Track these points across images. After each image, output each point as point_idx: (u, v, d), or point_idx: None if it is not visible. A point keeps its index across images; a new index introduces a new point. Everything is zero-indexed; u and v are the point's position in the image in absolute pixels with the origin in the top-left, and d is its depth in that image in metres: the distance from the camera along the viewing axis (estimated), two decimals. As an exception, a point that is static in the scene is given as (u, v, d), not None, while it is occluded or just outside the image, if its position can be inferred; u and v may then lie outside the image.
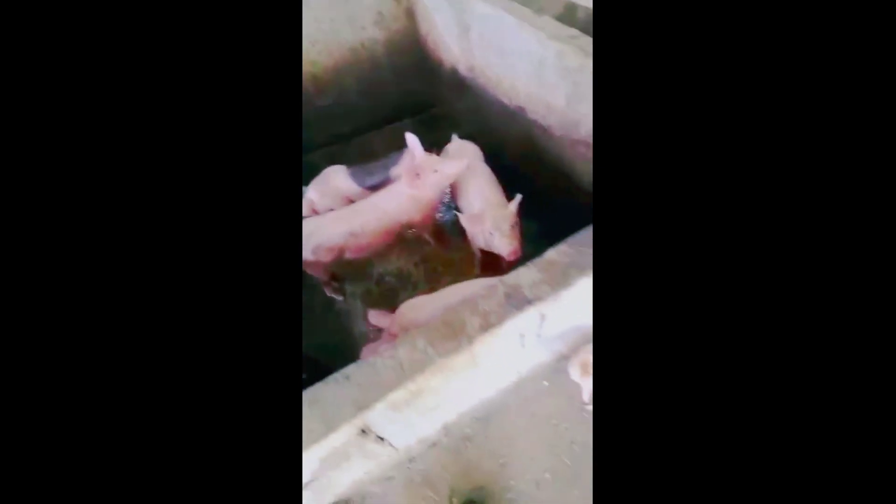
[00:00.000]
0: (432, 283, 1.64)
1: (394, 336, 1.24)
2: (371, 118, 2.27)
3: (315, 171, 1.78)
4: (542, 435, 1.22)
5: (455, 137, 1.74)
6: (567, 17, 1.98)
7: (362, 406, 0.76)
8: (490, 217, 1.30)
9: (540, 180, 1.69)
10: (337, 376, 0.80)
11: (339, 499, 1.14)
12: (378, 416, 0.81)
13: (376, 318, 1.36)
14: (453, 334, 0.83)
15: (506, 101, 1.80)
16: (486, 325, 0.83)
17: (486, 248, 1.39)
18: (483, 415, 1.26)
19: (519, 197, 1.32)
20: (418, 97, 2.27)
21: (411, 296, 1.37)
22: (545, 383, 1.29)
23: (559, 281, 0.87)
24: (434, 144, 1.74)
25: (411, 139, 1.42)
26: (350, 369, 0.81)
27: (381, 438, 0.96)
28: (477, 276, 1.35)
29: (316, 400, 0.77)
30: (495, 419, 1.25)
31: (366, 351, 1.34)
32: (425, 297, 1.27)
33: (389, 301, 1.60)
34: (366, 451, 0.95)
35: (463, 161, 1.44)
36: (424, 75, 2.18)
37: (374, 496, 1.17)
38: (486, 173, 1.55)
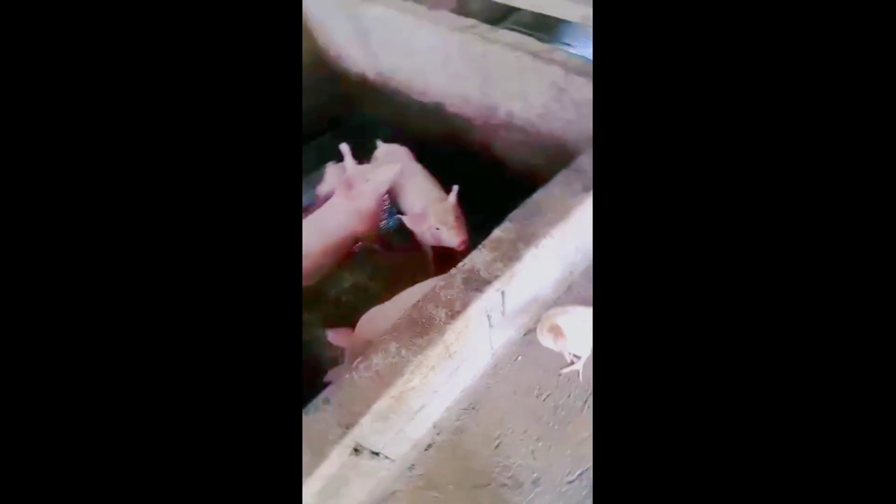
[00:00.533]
0: (393, 292, 1.63)
1: (357, 353, 1.22)
2: (289, 140, 2.20)
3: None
4: (528, 407, 1.26)
5: (380, 143, 1.74)
6: (460, 9, 2.04)
7: (349, 424, 0.74)
8: (432, 213, 1.32)
9: (471, 169, 1.74)
10: (315, 402, 0.77)
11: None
12: (367, 430, 0.80)
13: (335, 337, 1.33)
14: (423, 330, 0.83)
15: (421, 99, 1.82)
16: (453, 314, 0.85)
17: (436, 245, 1.41)
18: (469, 404, 1.28)
19: (456, 187, 1.35)
20: (332, 111, 2.24)
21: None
22: (519, 358, 1.34)
23: (510, 256, 0.91)
24: (360, 154, 1.72)
25: (345, 149, 1.40)
26: (328, 392, 0.79)
27: (376, 453, 0.94)
28: (435, 275, 1.36)
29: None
30: (481, 405, 1.27)
31: (330, 374, 1.31)
32: (381, 306, 1.26)
33: (353, 320, 1.57)
34: (363, 471, 0.93)
35: (395, 165, 1.44)
36: (334, 88, 2.15)
37: (383, 514, 1.15)
38: (420, 172, 1.56)
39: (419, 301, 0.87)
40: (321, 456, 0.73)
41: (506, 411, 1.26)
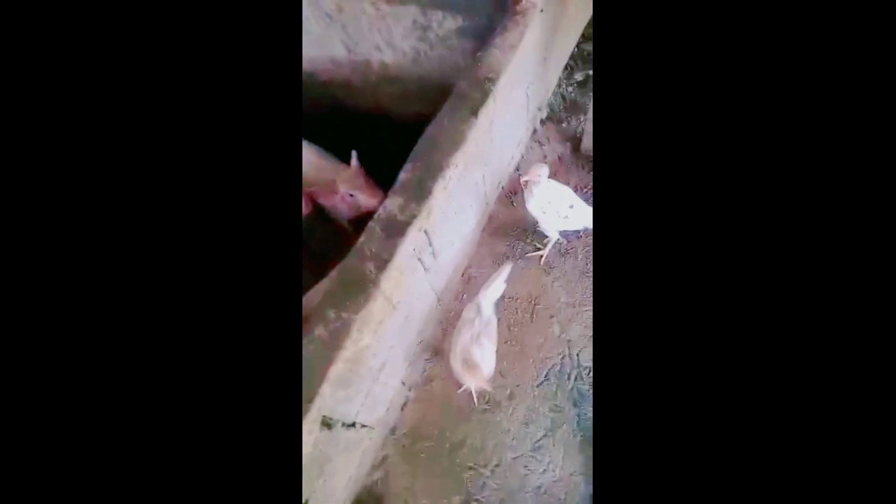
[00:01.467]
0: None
1: None
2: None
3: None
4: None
5: None
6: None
7: (309, 398, 0.72)
8: (340, 182, 1.28)
9: (363, 132, 1.69)
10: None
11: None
12: (330, 400, 0.79)
13: None
14: (358, 288, 0.82)
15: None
16: (382, 264, 0.85)
17: (354, 214, 1.37)
18: (431, 353, 1.30)
19: (354, 153, 1.31)
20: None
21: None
22: (464, 296, 1.38)
23: (420, 195, 0.91)
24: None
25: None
26: (278, 378, 0.76)
27: (351, 424, 0.94)
28: None
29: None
30: (441, 349, 1.31)
31: None
32: (313, 289, 1.22)
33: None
34: (343, 444, 0.92)
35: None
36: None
37: (381, 481, 1.16)
38: (310, 148, 1.49)
39: (345, 261, 0.85)
40: (291, 439, 0.70)
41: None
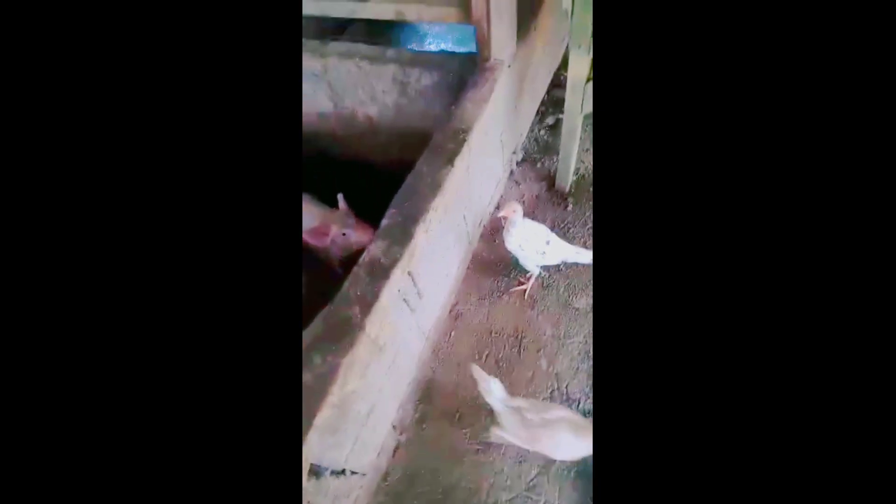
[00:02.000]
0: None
1: None
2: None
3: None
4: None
5: None
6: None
7: (297, 446, 0.73)
8: (332, 221, 1.34)
9: (348, 178, 1.76)
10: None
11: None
12: (317, 448, 0.79)
13: None
14: (342, 332, 0.84)
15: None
16: (367, 306, 0.87)
17: (344, 252, 1.41)
18: (423, 394, 1.30)
19: (340, 195, 1.38)
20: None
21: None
22: (452, 334, 1.40)
23: (403, 239, 0.96)
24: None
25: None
26: (266, 427, 0.76)
27: (341, 472, 0.93)
28: None
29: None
30: (433, 389, 1.31)
31: None
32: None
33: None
34: (333, 493, 0.91)
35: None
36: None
37: (372, 533, 1.12)
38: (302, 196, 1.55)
39: (330, 305, 0.88)
40: (279, 489, 0.70)
41: (457, 385, 1.31)
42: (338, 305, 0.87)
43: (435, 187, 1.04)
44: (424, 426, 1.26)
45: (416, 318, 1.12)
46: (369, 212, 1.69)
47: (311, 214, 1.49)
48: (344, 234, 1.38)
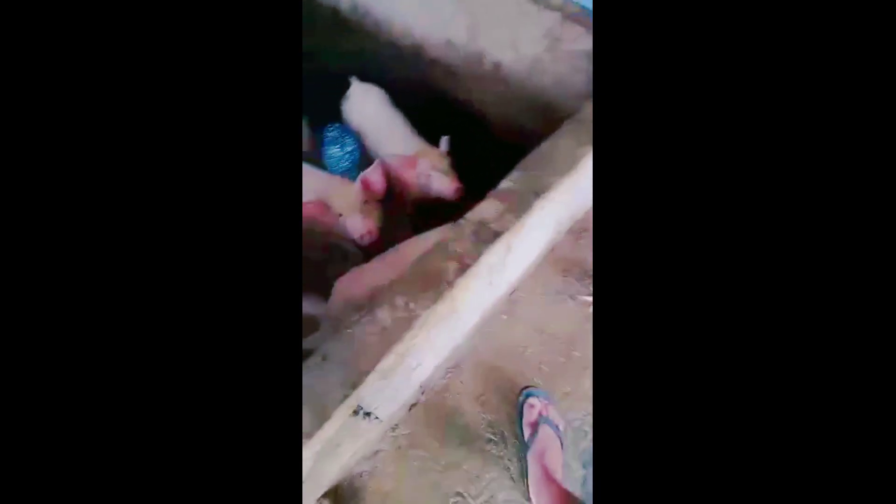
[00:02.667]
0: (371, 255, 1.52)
1: (336, 318, 1.13)
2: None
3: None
4: (513, 365, 1.26)
5: (355, 80, 1.57)
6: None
7: (355, 384, 0.67)
8: (424, 159, 1.23)
9: (450, 122, 1.64)
10: (315, 359, 0.69)
11: (328, 488, 1.05)
12: (370, 390, 0.74)
13: (306, 305, 1.23)
14: (431, 283, 0.77)
15: (399, 41, 1.67)
16: (463, 268, 0.79)
17: (421, 196, 1.32)
18: (454, 363, 1.25)
19: (446, 136, 1.27)
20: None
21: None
22: (504, 317, 1.33)
23: (521, 208, 0.86)
24: (323, 97, 1.54)
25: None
26: (326, 348, 0.71)
27: (369, 414, 0.89)
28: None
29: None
30: (466, 364, 1.25)
31: (310, 341, 1.21)
32: (360, 268, 1.18)
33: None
34: (355, 432, 0.87)
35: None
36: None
37: (366, 474, 1.11)
38: (400, 119, 1.44)
39: (426, 254, 0.80)
40: (324, 417, 0.65)
41: (490, 369, 1.25)
42: (434, 255, 0.79)
43: (570, 164, 0.92)
44: (446, 395, 1.22)
45: (491, 293, 1.04)
46: (460, 164, 1.59)
47: (401, 140, 1.39)
48: (429, 176, 1.28)
